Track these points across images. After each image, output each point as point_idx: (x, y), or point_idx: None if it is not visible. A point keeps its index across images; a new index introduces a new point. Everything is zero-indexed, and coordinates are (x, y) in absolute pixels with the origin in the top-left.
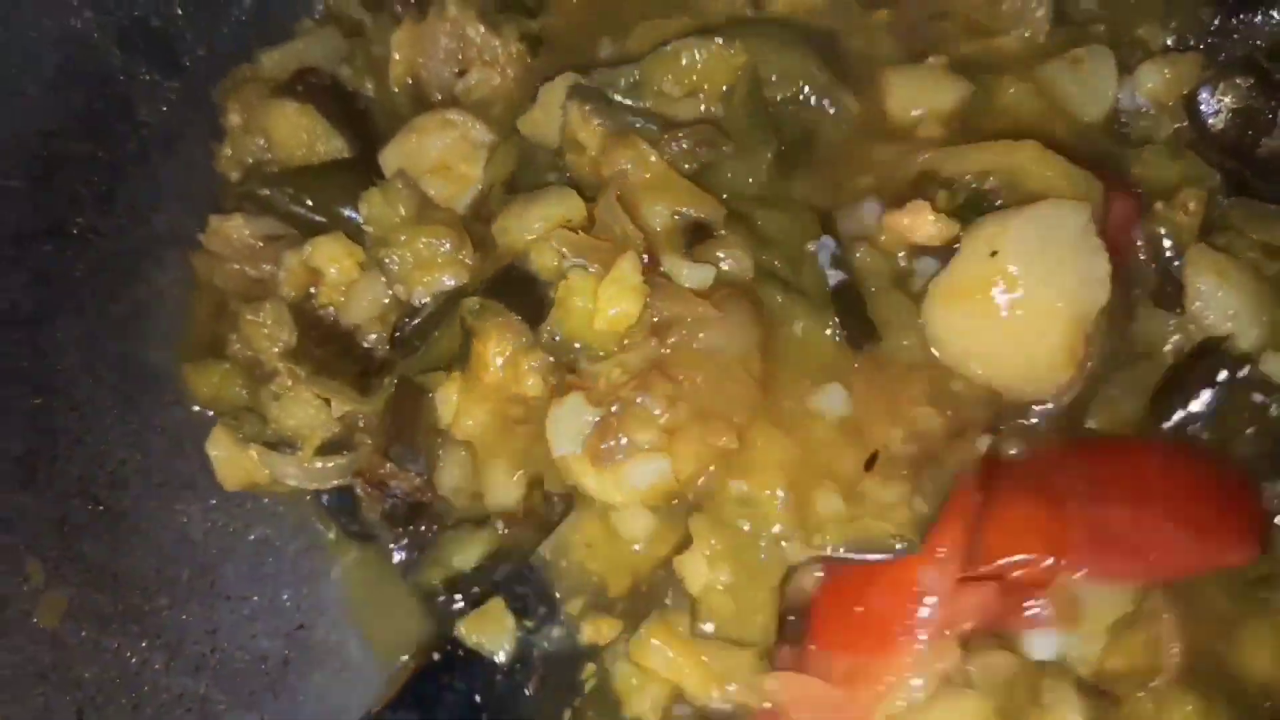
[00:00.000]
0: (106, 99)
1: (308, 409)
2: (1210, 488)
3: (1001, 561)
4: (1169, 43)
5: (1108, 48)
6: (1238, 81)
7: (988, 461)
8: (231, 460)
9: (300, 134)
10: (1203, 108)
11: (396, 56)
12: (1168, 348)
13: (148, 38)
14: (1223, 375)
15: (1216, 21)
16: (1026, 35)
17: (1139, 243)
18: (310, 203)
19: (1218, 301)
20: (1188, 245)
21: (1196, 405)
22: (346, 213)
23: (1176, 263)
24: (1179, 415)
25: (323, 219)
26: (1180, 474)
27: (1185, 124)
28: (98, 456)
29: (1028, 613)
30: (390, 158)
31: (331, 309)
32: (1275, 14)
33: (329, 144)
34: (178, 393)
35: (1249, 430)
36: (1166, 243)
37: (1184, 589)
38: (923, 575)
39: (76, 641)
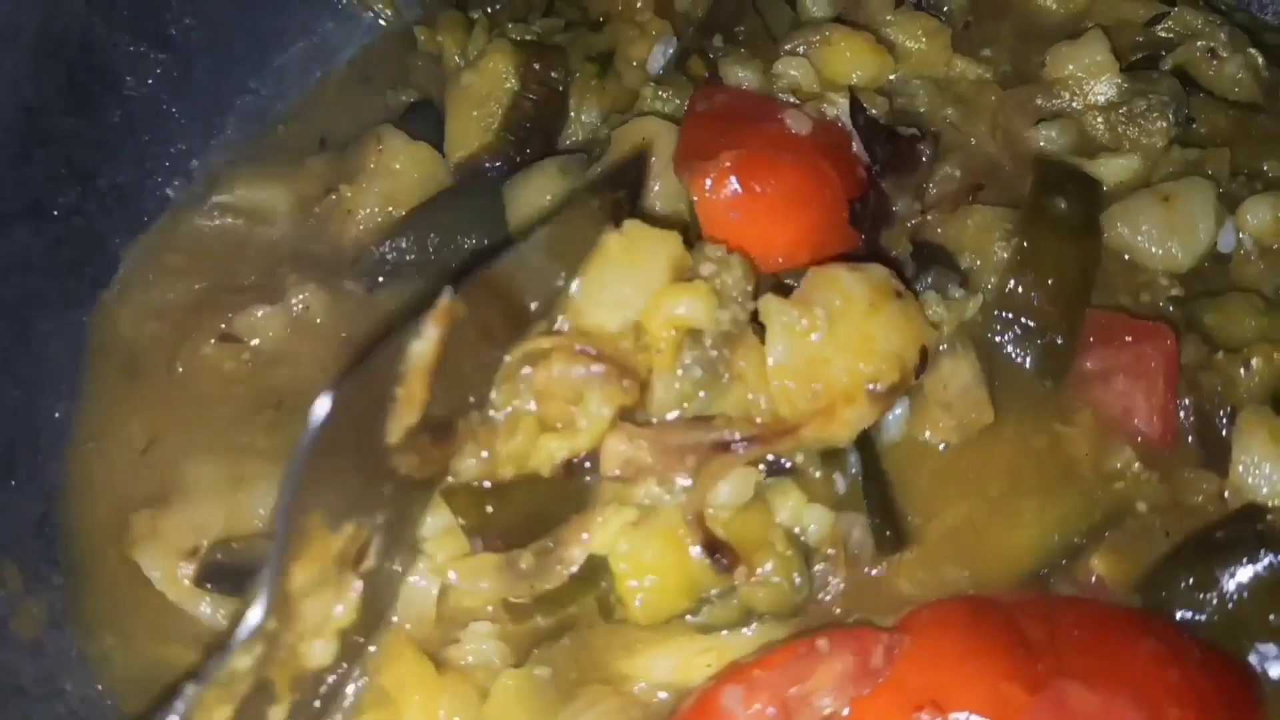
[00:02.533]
0: (90, 71)
1: None
2: (1207, 694)
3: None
4: None
5: (1209, 181)
6: None
7: None
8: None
9: None
10: None
11: None
12: (1199, 499)
13: (132, 6)
14: (1264, 557)
15: None
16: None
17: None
18: None
19: (1265, 474)
20: (1241, 406)
21: (1233, 584)
22: None
23: (1224, 421)
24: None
25: None
26: (1172, 668)
27: None
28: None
29: None
30: None
31: None
32: None
33: None
34: None
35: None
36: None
37: None
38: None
39: (57, 650)
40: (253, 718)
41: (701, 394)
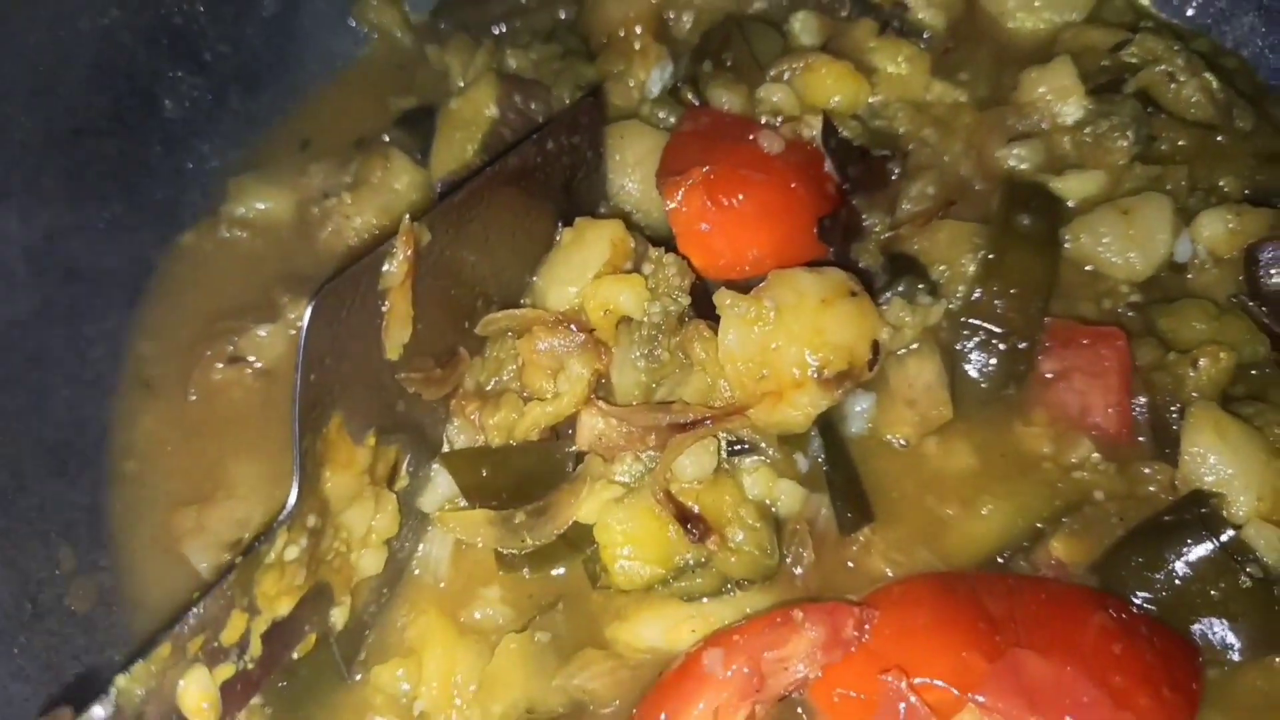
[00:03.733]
0: (133, 95)
1: None
2: (1150, 665)
3: (910, 682)
4: (1246, 193)
5: (1166, 196)
6: None
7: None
8: None
9: None
10: (1259, 262)
11: None
12: (1152, 488)
13: (171, 34)
14: (1206, 539)
15: None
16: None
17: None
18: None
19: (1210, 465)
20: (1190, 402)
21: (1180, 565)
22: None
23: (1175, 416)
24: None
25: None
26: (1119, 641)
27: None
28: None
29: None
30: None
31: None
32: None
33: None
34: None
35: (1213, 595)
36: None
37: None
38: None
39: (108, 625)
40: (316, 614)
41: (657, 384)
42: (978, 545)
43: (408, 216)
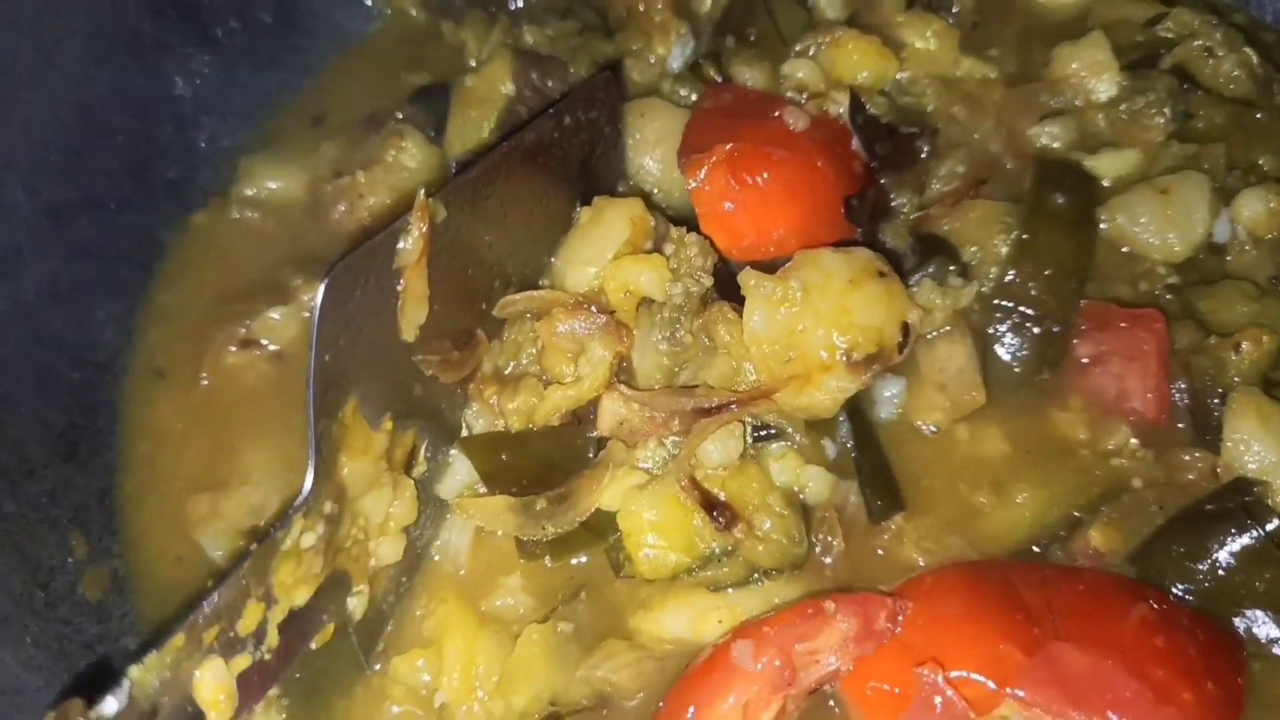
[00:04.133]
0: (140, 71)
1: None
2: (1193, 658)
3: (946, 675)
4: None
5: (1204, 175)
6: None
7: None
8: None
9: None
10: None
11: None
12: (1192, 476)
13: (179, 8)
14: (1250, 528)
15: None
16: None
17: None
18: None
19: (1253, 452)
20: (1231, 387)
21: (1223, 554)
22: None
23: (1216, 402)
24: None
25: None
26: (1160, 634)
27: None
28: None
29: None
30: None
31: None
32: None
33: None
34: None
35: (1257, 586)
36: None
37: None
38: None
39: (121, 614)
40: (334, 603)
41: (680, 368)
42: (1012, 534)
43: (422, 191)
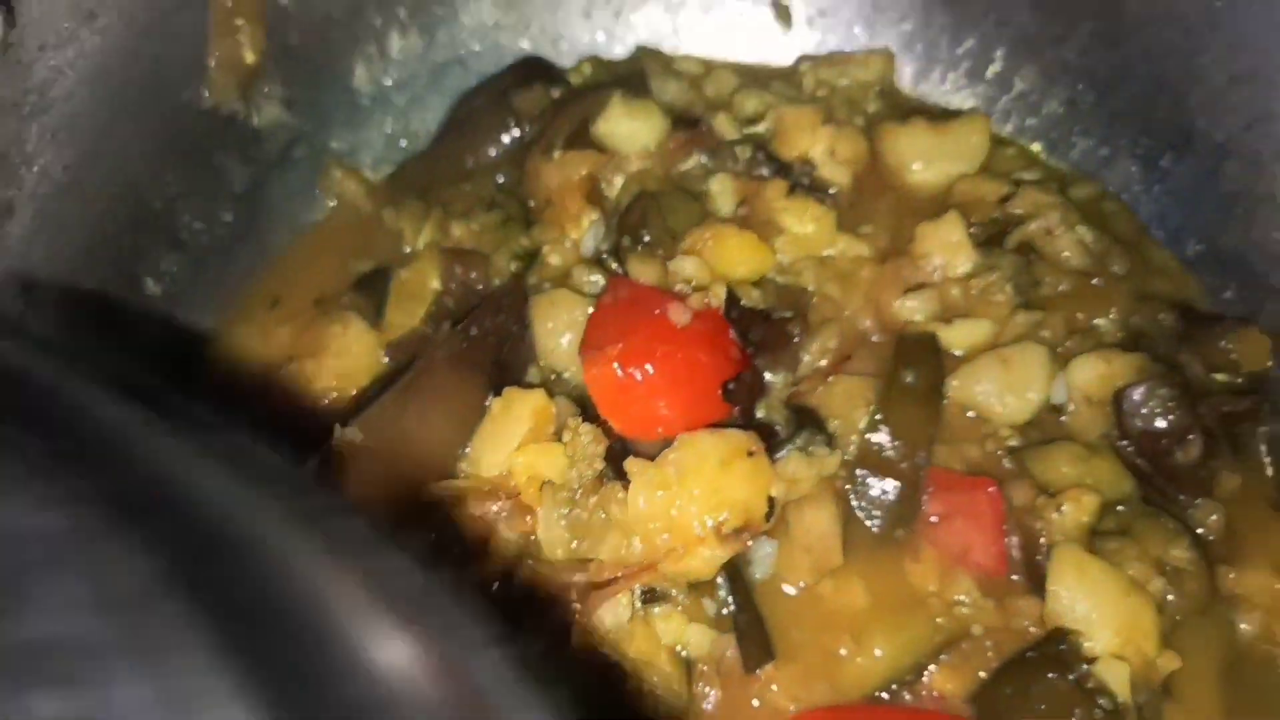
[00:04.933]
0: (118, 279)
1: None
2: None
3: None
4: (1120, 337)
5: (1043, 346)
6: (1161, 391)
7: None
8: None
9: None
10: (1125, 406)
11: None
12: (1026, 623)
13: (152, 219)
14: (1063, 674)
15: (1180, 327)
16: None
17: (1013, 536)
18: None
19: (1071, 603)
20: (1054, 543)
21: (1042, 697)
22: None
23: (1040, 559)
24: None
25: None
26: None
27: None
28: None
29: None
30: None
31: None
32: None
33: None
34: None
35: None
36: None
37: None
38: None
39: None
40: None
41: (577, 542)
42: (869, 679)
43: (338, 426)
